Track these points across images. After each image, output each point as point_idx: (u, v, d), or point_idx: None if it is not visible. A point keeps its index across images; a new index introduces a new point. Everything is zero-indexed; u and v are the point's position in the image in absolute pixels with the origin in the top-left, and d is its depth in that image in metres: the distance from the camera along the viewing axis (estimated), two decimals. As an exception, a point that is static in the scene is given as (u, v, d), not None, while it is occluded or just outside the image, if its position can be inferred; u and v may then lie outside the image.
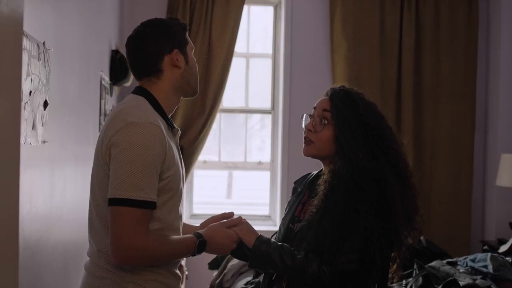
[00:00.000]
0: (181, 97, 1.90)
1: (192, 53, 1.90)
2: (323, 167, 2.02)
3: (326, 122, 1.91)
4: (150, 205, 1.65)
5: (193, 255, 1.80)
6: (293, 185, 2.16)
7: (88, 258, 1.84)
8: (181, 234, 1.87)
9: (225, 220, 1.94)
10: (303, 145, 1.97)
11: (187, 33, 1.89)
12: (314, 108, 1.99)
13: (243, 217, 1.95)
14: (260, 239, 1.87)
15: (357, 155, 1.82)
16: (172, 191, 1.76)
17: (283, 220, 2.03)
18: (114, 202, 1.63)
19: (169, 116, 1.87)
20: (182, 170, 1.86)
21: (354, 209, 1.76)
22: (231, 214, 1.99)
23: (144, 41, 1.81)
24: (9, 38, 1.00)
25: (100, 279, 1.75)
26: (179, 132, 1.90)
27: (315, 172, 2.09)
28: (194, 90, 1.89)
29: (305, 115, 2.01)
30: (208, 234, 1.83)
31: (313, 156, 1.97)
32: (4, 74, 0.97)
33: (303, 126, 2.00)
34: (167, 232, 1.77)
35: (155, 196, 1.67)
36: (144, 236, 1.64)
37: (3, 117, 0.98)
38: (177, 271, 1.88)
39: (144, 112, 1.72)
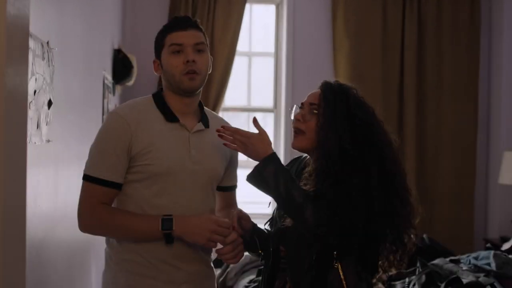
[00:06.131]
0: (183, 95, 1.90)
1: (174, 50, 1.86)
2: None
3: (316, 111, 1.88)
4: (102, 183, 1.80)
5: (166, 237, 1.79)
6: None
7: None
8: None
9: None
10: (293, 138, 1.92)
11: (172, 33, 1.87)
12: (304, 102, 1.95)
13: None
14: (274, 156, 1.84)
15: (340, 142, 1.79)
16: (153, 175, 1.82)
17: (277, 209, 2.01)
18: (82, 177, 1.86)
19: (179, 117, 1.90)
20: (185, 161, 1.87)
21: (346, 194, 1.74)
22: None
23: None
24: (16, 37, 1.01)
25: (106, 265, 1.91)
26: (185, 126, 1.90)
27: (302, 157, 2.05)
28: (178, 88, 1.88)
29: (295, 106, 1.98)
30: (180, 215, 1.83)
31: (302, 149, 1.92)
32: (12, 74, 0.98)
33: (292, 117, 1.96)
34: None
35: (114, 176, 1.81)
36: (94, 206, 1.81)
37: (11, 117, 0.98)
38: (180, 267, 1.87)
39: (126, 105, 1.91)
